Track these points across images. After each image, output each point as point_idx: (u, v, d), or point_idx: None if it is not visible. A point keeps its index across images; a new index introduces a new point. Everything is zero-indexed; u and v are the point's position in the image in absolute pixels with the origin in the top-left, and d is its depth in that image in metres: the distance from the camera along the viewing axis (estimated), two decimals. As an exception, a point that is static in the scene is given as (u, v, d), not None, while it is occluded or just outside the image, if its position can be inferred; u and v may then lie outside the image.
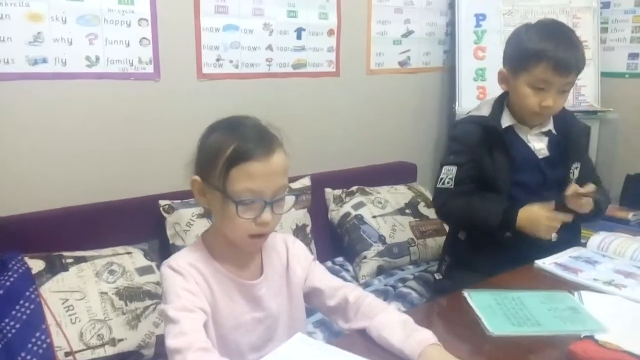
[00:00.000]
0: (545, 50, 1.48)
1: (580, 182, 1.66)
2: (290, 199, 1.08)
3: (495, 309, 1.19)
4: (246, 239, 1.05)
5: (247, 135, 1.01)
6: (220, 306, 1.06)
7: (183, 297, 1.00)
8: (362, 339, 1.06)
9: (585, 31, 2.74)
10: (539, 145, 1.62)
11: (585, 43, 2.75)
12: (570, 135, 1.64)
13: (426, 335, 0.99)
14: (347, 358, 0.96)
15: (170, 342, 0.93)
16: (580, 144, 1.72)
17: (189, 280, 1.03)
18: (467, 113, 1.76)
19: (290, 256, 1.17)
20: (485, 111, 1.65)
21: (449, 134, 1.74)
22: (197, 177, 1.05)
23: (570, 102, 2.74)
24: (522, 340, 1.09)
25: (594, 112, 2.63)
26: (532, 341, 1.09)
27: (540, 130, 1.63)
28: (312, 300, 1.18)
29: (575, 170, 1.66)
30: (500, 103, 1.66)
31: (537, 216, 1.48)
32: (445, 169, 1.65)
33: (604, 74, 2.75)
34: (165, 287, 1.03)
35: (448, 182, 1.62)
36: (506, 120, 1.62)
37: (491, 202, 1.58)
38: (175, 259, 1.06)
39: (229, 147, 1.00)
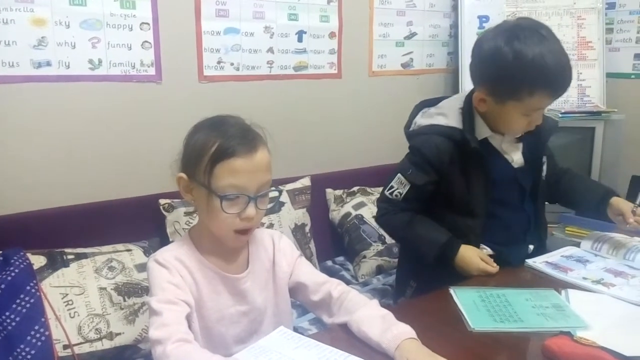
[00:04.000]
0: (538, 80, 1.28)
1: (550, 176, 1.58)
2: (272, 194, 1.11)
3: (479, 306, 1.21)
4: (231, 234, 1.08)
5: (230, 133, 1.04)
6: (204, 299, 1.09)
7: (167, 290, 1.03)
8: (343, 333, 1.08)
9: (590, 32, 2.74)
10: (516, 156, 1.49)
11: (590, 44, 2.76)
12: (541, 135, 1.49)
13: (404, 329, 1.01)
14: (326, 351, 0.98)
15: (153, 333, 0.96)
16: (546, 138, 1.54)
17: (174, 274, 1.06)
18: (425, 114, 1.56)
19: (277, 251, 1.20)
20: (453, 120, 1.45)
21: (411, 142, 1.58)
22: (183, 175, 1.08)
23: (575, 103, 2.74)
24: (502, 336, 1.10)
25: (599, 113, 2.61)
26: (512, 337, 1.10)
27: (513, 135, 1.48)
28: (297, 295, 1.21)
29: (543, 166, 1.55)
30: (470, 111, 1.46)
31: (470, 262, 1.40)
32: (398, 178, 1.49)
33: (609, 75, 2.74)
34: (151, 280, 1.07)
35: (396, 196, 1.49)
36: (482, 132, 1.45)
37: (433, 231, 1.46)
38: (162, 253, 1.10)
39: (214, 145, 1.03)
